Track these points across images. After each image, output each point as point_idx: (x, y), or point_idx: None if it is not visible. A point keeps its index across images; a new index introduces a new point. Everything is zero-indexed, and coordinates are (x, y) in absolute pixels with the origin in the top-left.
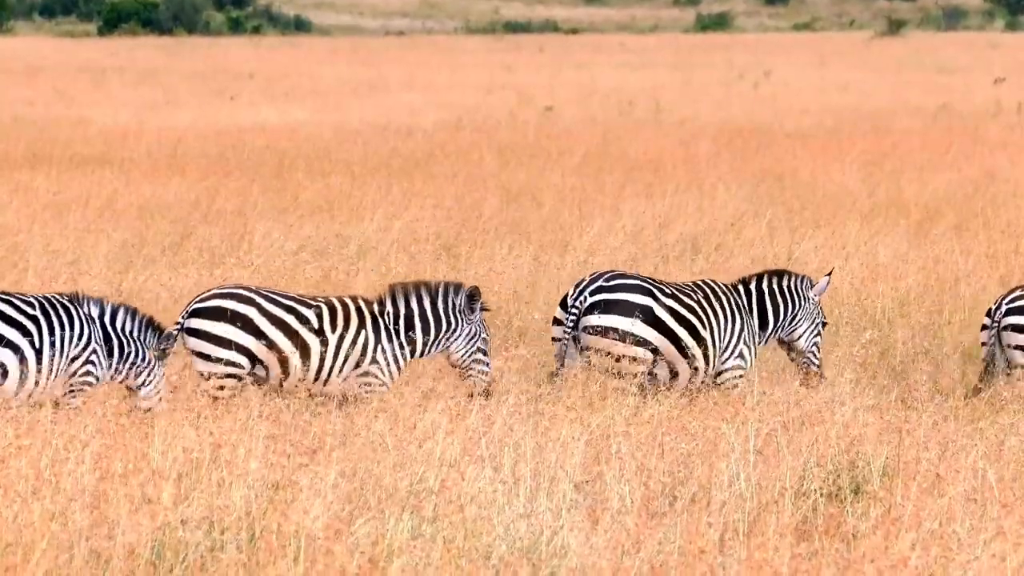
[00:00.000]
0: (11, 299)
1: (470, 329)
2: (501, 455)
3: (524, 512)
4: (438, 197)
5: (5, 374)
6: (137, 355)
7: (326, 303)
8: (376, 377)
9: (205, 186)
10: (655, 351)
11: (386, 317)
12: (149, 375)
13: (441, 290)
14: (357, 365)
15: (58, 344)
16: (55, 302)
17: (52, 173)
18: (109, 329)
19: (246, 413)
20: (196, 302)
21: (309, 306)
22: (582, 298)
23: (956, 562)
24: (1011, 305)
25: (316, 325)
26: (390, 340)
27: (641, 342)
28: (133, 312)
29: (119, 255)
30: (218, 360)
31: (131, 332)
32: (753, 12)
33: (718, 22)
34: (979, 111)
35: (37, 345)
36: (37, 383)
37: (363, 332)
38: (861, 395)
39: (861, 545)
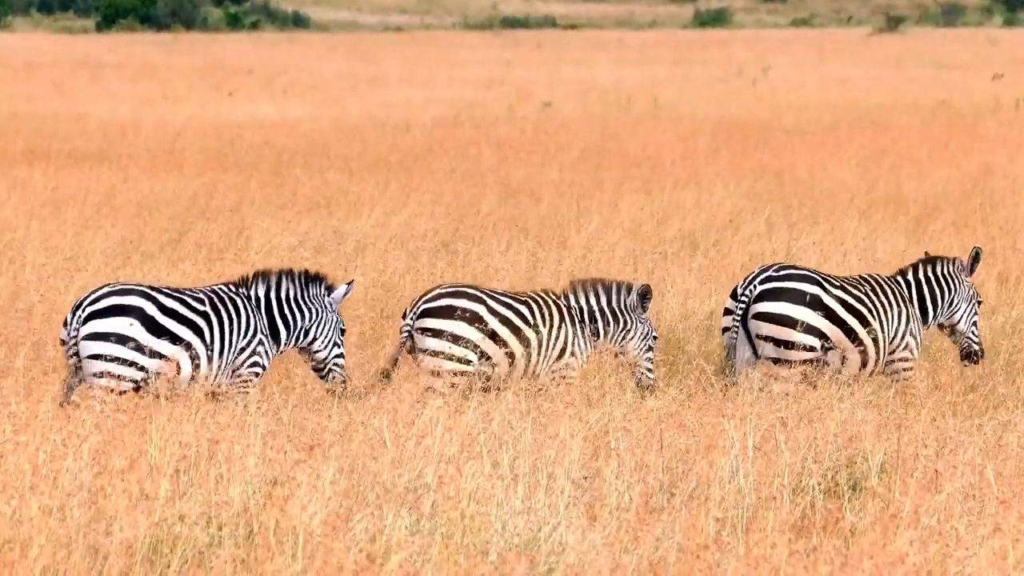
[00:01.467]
0: (182, 296)
1: (643, 328)
2: (499, 451)
3: (522, 508)
4: (436, 193)
5: (178, 370)
6: (304, 317)
7: (532, 299)
8: (572, 369)
9: (203, 182)
10: (824, 339)
11: (575, 312)
12: (319, 331)
13: (615, 288)
14: (559, 358)
15: (227, 339)
16: (223, 295)
17: (50, 169)
18: (274, 306)
19: (244, 409)
20: (424, 302)
21: (522, 302)
22: (752, 287)
23: (954, 558)
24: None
25: (531, 320)
26: (582, 334)
27: (810, 329)
28: (294, 276)
29: (117, 251)
30: (451, 357)
31: (296, 297)
32: (751, 8)
33: (716, 18)
34: (977, 107)
35: (208, 341)
36: (207, 377)
37: (563, 326)
38: (859, 391)
39: (859, 541)
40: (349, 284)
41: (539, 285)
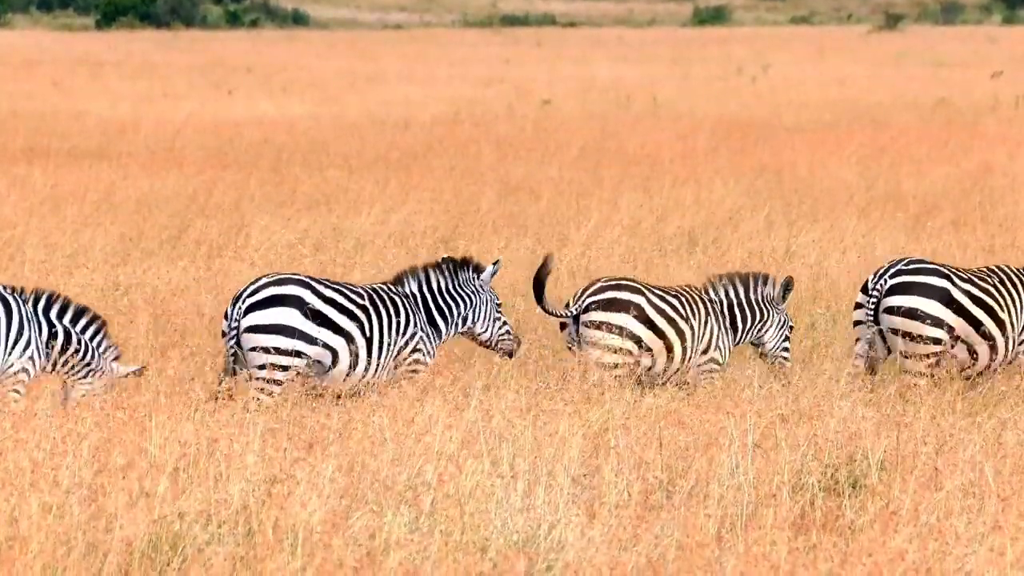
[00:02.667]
0: (342, 287)
1: (780, 318)
2: (499, 449)
3: (522, 506)
4: (436, 191)
5: (335, 361)
6: (459, 306)
7: (680, 293)
8: (716, 363)
9: (203, 179)
10: (952, 332)
11: (716, 305)
12: (477, 314)
13: (751, 280)
14: (705, 351)
15: (386, 336)
16: (382, 293)
17: (49, 166)
18: (429, 301)
19: (243, 407)
20: (589, 295)
21: (674, 295)
22: (882, 281)
23: (953, 556)
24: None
25: (684, 313)
26: (723, 327)
27: (938, 323)
28: (442, 268)
29: (116, 248)
30: (615, 350)
31: (447, 288)
32: (751, 6)
33: (716, 16)
34: (977, 105)
35: (367, 334)
36: (365, 372)
37: (709, 320)
38: (859, 389)
39: (859, 539)
40: (496, 263)
41: None
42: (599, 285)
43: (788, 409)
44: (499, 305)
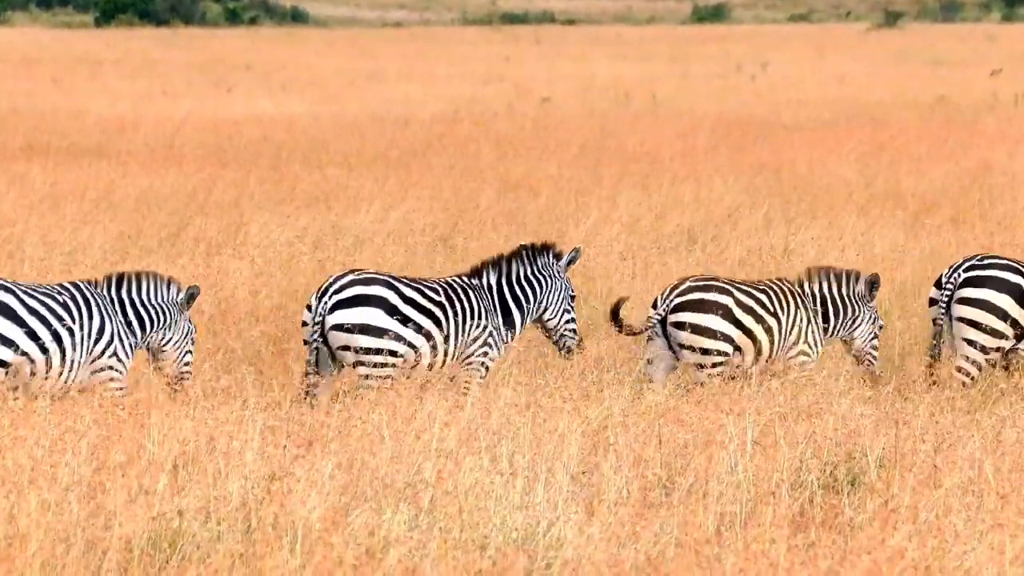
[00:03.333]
0: (420, 285)
1: (870, 314)
2: (498, 446)
3: (521, 503)
4: (435, 188)
5: (416, 358)
6: (536, 291)
7: (769, 287)
8: (808, 356)
9: (202, 177)
10: (1017, 328)
11: (808, 299)
12: (550, 300)
13: (844, 276)
14: (794, 345)
15: (460, 328)
16: (457, 286)
17: (49, 164)
18: (506, 291)
19: (242, 404)
20: (676, 296)
21: (762, 291)
22: (956, 275)
23: (953, 553)
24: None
25: (771, 308)
26: (813, 321)
27: (1005, 316)
28: (522, 255)
29: (116, 246)
30: (709, 351)
31: (526, 274)
32: (750, 4)
33: (715, 14)
34: (976, 103)
35: (444, 330)
36: (443, 363)
37: (799, 313)
38: (858, 387)
39: (858, 536)
40: (576, 250)
41: None
42: (685, 287)
43: (787, 407)
44: (573, 298)
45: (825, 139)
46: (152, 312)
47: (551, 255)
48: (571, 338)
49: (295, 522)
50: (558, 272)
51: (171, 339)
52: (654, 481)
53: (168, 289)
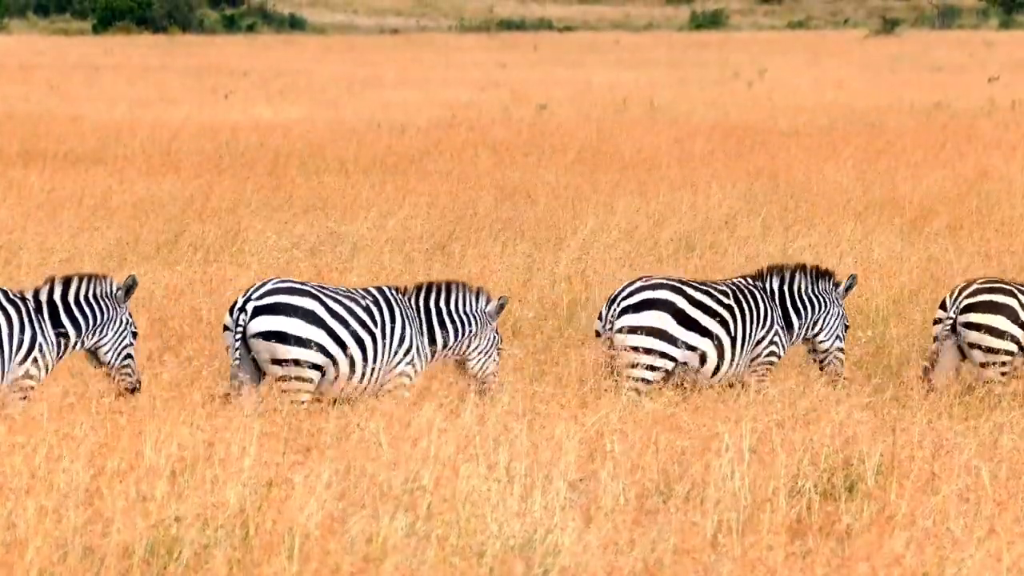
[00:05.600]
0: (709, 289)
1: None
2: (495, 453)
3: (518, 510)
4: (432, 195)
5: (703, 363)
6: (814, 309)
7: (729, 287)
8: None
9: (199, 184)
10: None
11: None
12: (825, 322)
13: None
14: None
15: (748, 330)
16: (744, 288)
17: (46, 170)
18: (787, 298)
19: (240, 411)
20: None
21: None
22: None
23: (950, 560)
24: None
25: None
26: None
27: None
28: (806, 270)
29: (113, 253)
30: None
31: (807, 290)
32: (747, 10)
33: (712, 20)
34: (973, 109)
35: (732, 333)
36: (729, 369)
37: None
38: (856, 393)
39: (855, 543)
40: (852, 277)
41: (534, 287)
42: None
43: (784, 413)
44: (847, 327)
45: (823, 146)
46: (463, 320)
47: (831, 282)
48: (838, 365)
49: (293, 529)
50: (836, 299)
51: (478, 347)
52: (651, 488)
53: (477, 299)
